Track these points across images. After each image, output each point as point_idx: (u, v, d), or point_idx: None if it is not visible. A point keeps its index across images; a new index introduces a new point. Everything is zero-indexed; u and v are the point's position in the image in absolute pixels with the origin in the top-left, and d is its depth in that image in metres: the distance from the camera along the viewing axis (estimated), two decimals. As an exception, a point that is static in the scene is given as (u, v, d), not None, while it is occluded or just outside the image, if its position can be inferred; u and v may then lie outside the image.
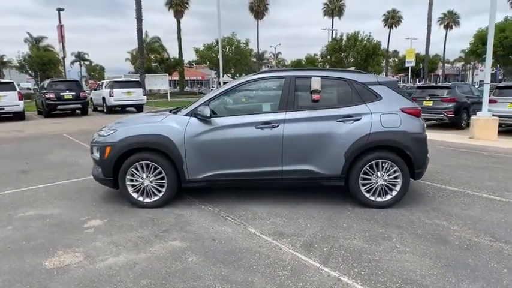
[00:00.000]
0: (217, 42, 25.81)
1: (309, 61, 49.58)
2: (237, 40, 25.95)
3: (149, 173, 4.17)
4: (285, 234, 3.51)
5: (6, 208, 4.32)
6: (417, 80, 57.27)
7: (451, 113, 11.12)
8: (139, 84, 19.23)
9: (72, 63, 64.10)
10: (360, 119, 4.04)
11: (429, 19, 42.26)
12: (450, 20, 63.83)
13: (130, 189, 4.22)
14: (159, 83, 28.62)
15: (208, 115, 3.94)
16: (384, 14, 66.06)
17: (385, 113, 4.06)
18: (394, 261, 2.95)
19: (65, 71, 31.13)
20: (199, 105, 4.15)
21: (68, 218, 3.98)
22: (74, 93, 16.77)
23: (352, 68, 29.44)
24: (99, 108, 19.95)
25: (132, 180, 4.20)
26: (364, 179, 4.11)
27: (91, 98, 20.89)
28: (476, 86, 18.21)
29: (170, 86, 36.29)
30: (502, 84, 12.54)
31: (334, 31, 43.36)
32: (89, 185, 5.22)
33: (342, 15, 61.76)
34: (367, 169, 4.08)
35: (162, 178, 4.17)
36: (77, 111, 17.39)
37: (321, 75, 4.23)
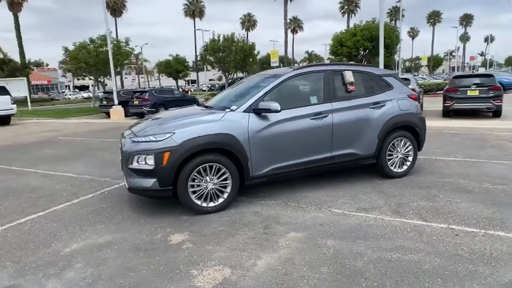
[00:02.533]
0: (91, 41, 23.03)
1: (178, 61, 48.87)
2: (117, 40, 23.70)
3: (213, 176, 3.93)
4: (367, 208, 3.97)
5: (43, 243, 3.34)
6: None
7: None
8: (5, 90, 15.62)
9: None
10: (385, 105, 4.81)
11: (285, 24, 47.61)
12: (296, 25, 73.04)
13: (192, 196, 3.89)
14: (15, 88, 23.42)
15: (279, 109, 4.00)
16: (241, 18, 70.98)
17: (399, 99, 4.95)
18: (453, 206, 3.80)
19: None
20: (256, 101, 4.14)
21: (139, 241, 3.41)
22: None
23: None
24: None
25: (193, 186, 3.88)
26: (389, 155, 4.90)
27: None
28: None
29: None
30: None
31: (202, 31, 44.12)
32: (99, 204, 4.43)
33: (203, 17, 63.35)
34: (391, 146, 4.89)
35: (225, 179, 4.00)
36: None
37: (350, 69, 4.82)
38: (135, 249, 3.23)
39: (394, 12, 59.92)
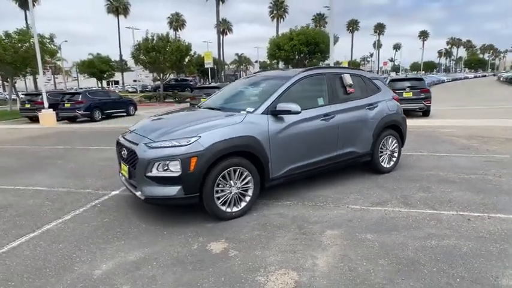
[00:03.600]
0: (7, 35, 20.16)
1: (103, 61, 45.46)
2: (40, 35, 21.02)
3: (236, 180, 3.83)
4: (379, 202, 4.24)
5: (62, 268, 2.89)
6: (209, 80, 63.35)
7: None
8: None
9: None
10: (378, 106, 5.19)
11: (218, 25, 47.54)
12: (225, 27, 73.32)
13: (217, 201, 3.74)
14: None
15: (299, 110, 4.04)
16: (168, 17, 68.95)
17: (387, 101, 5.37)
18: (449, 195, 4.31)
19: None
20: (272, 103, 4.14)
21: (177, 254, 3.18)
22: None
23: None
24: None
25: (217, 192, 3.74)
26: (380, 152, 5.30)
27: None
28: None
29: None
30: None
31: (132, 29, 41.90)
32: (99, 219, 4.00)
33: (128, 14, 60.06)
34: (382, 144, 5.29)
35: (247, 182, 3.93)
36: None
37: (347, 72, 5.08)
38: (179, 262, 3.01)
39: (319, 19, 63.94)
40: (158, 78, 32.89)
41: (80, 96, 17.12)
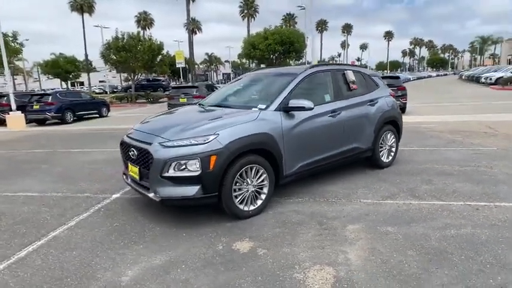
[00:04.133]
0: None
1: (69, 61, 43.46)
2: (2, 33, 19.65)
3: (253, 177, 3.78)
4: (389, 196, 4.33)
5: (84, 276, 2.70)
6: (178, 79, 62.42)
7: None
8: None
9: None
10: (378, 102, 5.30)
11: (189, 24, 46.86)
12: (194, 27, 72.42)
13: (235, 200, 3.67)
14: None
15: (313, 106, 4.04)
16: (136, 16, 67.20)
17: (385, 97, 5.51)
18: (452, 186, 4.49)
19: None
20: (284, 99, 4.11)
21: (204, 255, 3.08)
22: None
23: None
24: None
25: (235, 190, 3.67)
26: (380, 147, 5.42)
27: None
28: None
29: None
30: None
31: (101, 28, 40.47)
32: (109, 223, 3.82)
33: (93, 12, 57.84)
34: (382, 140, 5.41)
35: (262, 180, 3.89)
36: None
37: (350, 69, 5.16)
38: (209, 264, 2.92)
39: (289, 19, 64.64)
40: (129, 78, 31.87)
41: (50, 98, 16.30)
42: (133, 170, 3.88)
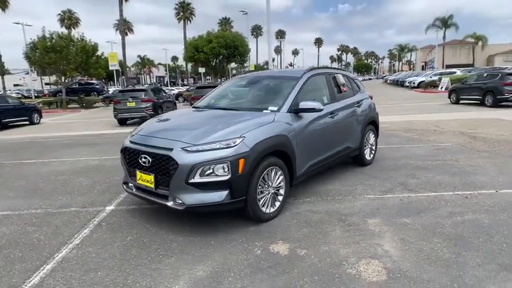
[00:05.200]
0: None
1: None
2: None
3: (272, 180, 3.78)
4: (387, 190, 4.63)
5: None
6: (108, 83, 58.86)
7: (150, 110, 14.08)
8: None
9: None
10: (362, 103, 5.65)
11: (122, 25, 44.58)
12: (125, 27, 68.93)
13: (259, 203, 3.64)
14: None
15: (322, 108, 4.15)
16: (59, 14, 61.95)
17: (366, 99, 5.89)
18: (434, 179, 5.00)
19: None
20: (293, 101, 4.18)
21: (246, 261, 3.00)
22: None
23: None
24: None
25: (258, 193, 3.63)
26: (364, 146, 5.78)
27: None
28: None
29: None
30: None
31: (23, 25, 36.60)
32: (119, 238, 3.51)
33: (7, 8, 51.86)
34: (366, 139, 5.77)
35: (280, 182, 3.91)
36: None
37: (338, 72, 5.41)
38: (258, 269, 2.85)
39: (225, 23, 64.92)
40: (60, 81, 29.16)
41: (-30, 103, 14.29)
42: (146, 178, 3.61)
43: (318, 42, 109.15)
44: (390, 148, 7.24)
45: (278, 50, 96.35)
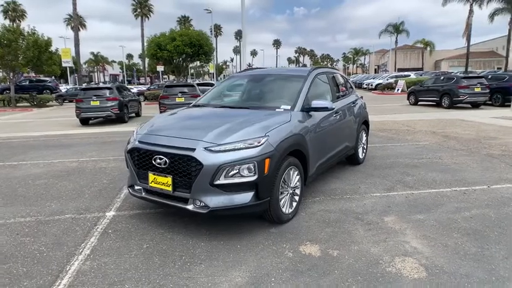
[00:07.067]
0: None
1: None
2: None
3: (291, 179, 3.71)
4: (390, 188, 4.75)
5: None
6: (68, 81, 55.31)
7: (116, 109, 13.38)
8: None
9: None
10: (357, 103, 5.76)
11: (76, 19, 42.16)
12: (78, 23, 65.06)
13: (280, 204, 3.55)
14: None
15: (334, 107, 4.15)
16: (2, 5, 57.03)
17: (359, 99, 6.02)
18: (428, 176, 5.23)
19: None
20: (305, 100, 4.14)
21: (282, 264, 2.90)
22: None
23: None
24: None
25: (280, 194, 3.54)
26: (358, 145, 5.90)
27: None
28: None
29: None
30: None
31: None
32: (134, 246, 3.26)
33: None
34: (359, 138, 5.90)
35: (296, 182, 3.85)
36: None
37: (337, 73, 5.47)
38: (297, 272, 2.77)
39: (184, 21, 63.64)
40: (8, 78, 26.76)
41: None
42: (161, 181, 3.37)
43: (277, 43, 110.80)
44: (374, 147, 7.47)
45: (237, 51, 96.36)
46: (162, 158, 3.32)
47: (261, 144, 3.24)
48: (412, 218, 3.77)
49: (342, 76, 5.71)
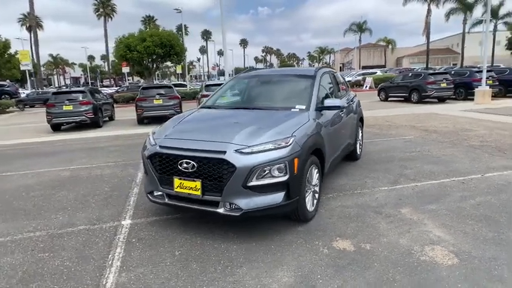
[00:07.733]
0: None
1: None
2: None
3: (313, 177, 3.78)
4: (394, 181, 4.96)
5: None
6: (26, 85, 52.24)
7: (90, 113, 12.92)
8: None
9: None
10: (354, 101, 5.94)
11: (33, 18, 40.12)
12: (34, 23, 61.67)
13: (306, 202, 3.61)
14: None
15: (345, 105, 4.26)
16: None
17: (355, 96, 6.21)
18: (424, 168, 5.52)
19: None
20: (317, 99, 4.23)
21: (321, 261, 2.96)
22: None
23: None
24: None
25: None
26: (356, 141, 6.09)
27: None
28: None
29: None
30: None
31: None
32: (167, 255, 3.20)
33: None
34: (357, 134, 6.09)
35: (316, 180, 3.92)
36: None
37: (335, 71, 5.60)
38: (340, 268, 2.84)
39: (149, 21, 62.04)
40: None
41: None
42: (188, 185, 3.31)
43: (243, 43, 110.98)
44: (364, 142, 7.71)
45: (203, 50, 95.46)
46: (190, 162, 3.27)
47: (290, 145, 3.28)
48: (426, 208, 3.97)
49: (340, 75, 5.87)
